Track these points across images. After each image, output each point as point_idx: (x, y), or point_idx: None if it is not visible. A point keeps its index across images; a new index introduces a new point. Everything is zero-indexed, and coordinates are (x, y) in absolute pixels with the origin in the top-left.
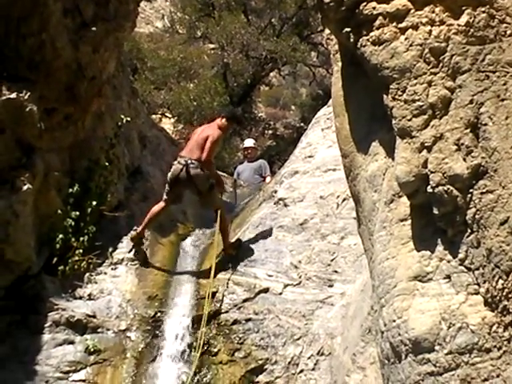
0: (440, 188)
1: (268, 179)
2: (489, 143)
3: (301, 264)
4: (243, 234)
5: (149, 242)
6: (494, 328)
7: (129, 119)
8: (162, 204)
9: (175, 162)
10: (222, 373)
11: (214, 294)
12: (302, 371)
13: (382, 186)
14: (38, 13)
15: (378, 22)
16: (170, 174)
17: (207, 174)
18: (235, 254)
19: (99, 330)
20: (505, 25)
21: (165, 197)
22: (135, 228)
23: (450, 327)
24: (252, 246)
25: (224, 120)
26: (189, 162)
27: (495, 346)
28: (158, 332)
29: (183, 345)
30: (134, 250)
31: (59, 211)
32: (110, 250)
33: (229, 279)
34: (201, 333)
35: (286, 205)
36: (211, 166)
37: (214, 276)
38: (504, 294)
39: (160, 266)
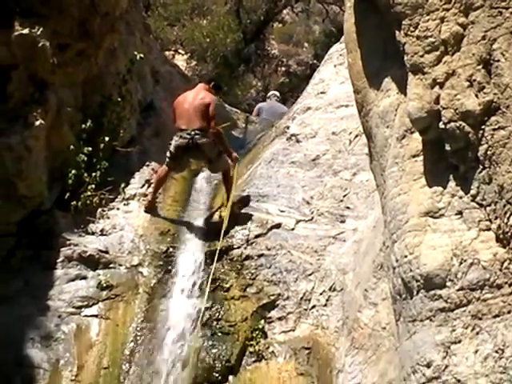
0: (452, 124)
1: None
2: (501, 79)
3: (313, 200)
4: (255, 170)
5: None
6: (506, 264)
7: (142, 55)
8: (165, 168)
9: (176, 138)
10: (234, 308)
11: (226, 230)
12: (313, 307)
13: (394, 122)
14: None
15: None
16: (172, 148)
17: (213, 140)
18: (241, 207)
19: (111, 265)
20: None
21: (167, 163)
22: (145, 197)
23: (461, 263)
24: (264, 182)
25: (211, 86)
26: (193, 133)
27: (506, 283)
28: (170, 267)
29: (195, 280)
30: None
31: (72, 147)
32: (123, 185)
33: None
34: (210, 269)
35: (298, 141)
36: (220, 134)
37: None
38: None
39: (172, 201)
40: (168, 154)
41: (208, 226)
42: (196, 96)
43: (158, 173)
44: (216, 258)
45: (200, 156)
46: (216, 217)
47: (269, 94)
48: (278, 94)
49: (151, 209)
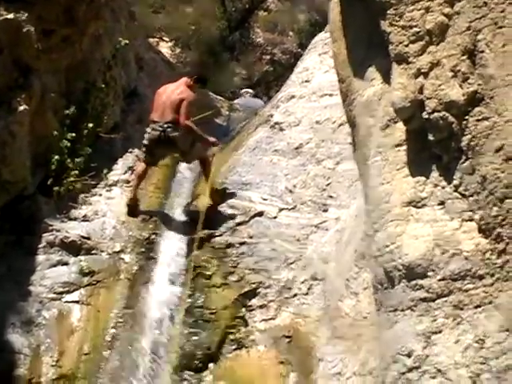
0: (436, 114)
1: None
2: (485, 70)
3: (296, 188)
4: (238, 157)
5: None
6: (488, 255)
7: (126, 42)
8: (143, 165)
9: (149, 130)
10: (216, 296)
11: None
12: (295, 295)
13: (377, 111)
14: None
15: None
16: (146, 141)
17: (186, 133)
18: (222, 197)
19: (93, 251)
20: None
21: (144, 157)
22: (129, 196)
23: (443, 253)
24: (247, 170)
25: (193, 81)
26: (165, 126)
27: (488, 273)
28: (151, 254)
29: (177, 267)
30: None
31: (55, 132)
32: (105, 171)
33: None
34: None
35: (281, 129)
36: (192, 129)
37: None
38: (498, 221)
39: (155, 188)
40: (143, 147)
41: (190, 213)
42: (175, 90)
43: (136, 169)
44: (196, 245)
45: (173, 148)
46: (198, 204)
47: (242, 92)
48: (250, 90)
49: (134, 205)
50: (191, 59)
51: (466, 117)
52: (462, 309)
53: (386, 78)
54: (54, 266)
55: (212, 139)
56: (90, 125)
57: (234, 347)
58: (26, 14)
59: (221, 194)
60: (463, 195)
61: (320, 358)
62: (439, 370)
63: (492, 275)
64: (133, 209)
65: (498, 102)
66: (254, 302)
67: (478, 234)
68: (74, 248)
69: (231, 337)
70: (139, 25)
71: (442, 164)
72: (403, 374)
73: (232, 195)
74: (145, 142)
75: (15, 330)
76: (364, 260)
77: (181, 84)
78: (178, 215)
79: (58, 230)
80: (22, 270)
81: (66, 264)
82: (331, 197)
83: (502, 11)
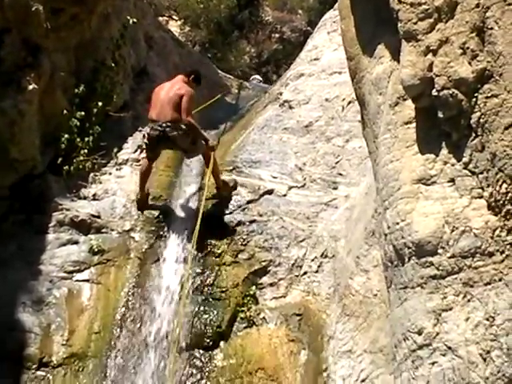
0: (445, 91)
1: None
2: (494, 47)
3: (305, 166)
4: (248, 136)
5: None
6: (497, 232)
7: (135, 20)
8: (146, 162)
9: (148, 129)
10: (226, 274)
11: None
12: (305, 273)
13: (387, 89)
14: None
15: None
16: (145, 140)
17: (186, 131)
18: (230, 191)
19: (103, 230)
20: None
21: (147, 155)
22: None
23: (453, 230)
24: (257, 148)
25: (190, 78)
26: (164, 125)
27: (498, 250)
28: (161, 233)
29: (186, 246)
30: (140, 208)
31: (65, 111)
32: (115, 150)
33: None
34: (195, 232)
35: (291, 107)
36: (194, 127)
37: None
38: (507, 198)
39: (165, 166)
40: (144, 145)
41: (199, 191)
42: (172, 87)
43: (140, 167)
44: (199, 222)
45: (173, 146)
46: (208, 183)
47: (251, 78)
48: (259, 77)
49: (143, 204)
50: (200, 38)
51: (476, 94)
52: (472, 286)
53: (395, 56)
54: (64, 244)
55: (211, 142)
56: (100, 103)
57: (244, 325)
58: None
59: (230, 188)
60: (473, 172)
61: (330, 336)
62: (449, 348)
63: (502, 252)
64: (142, 204)
65: (507, 79)
66: (265, 279)
67: (487, 211)
68: (84, 227)
69: (241, 315)
70: (148, 3)
71: (451, 141)
72: (414, 351)
73: (242, 173)
74: (145, 141)
75: (26, 309)
76: (374, 237)
77: (178, 81)
78: (189, 194)
79: (68, 209)
80: (33, 249)
81: (76, 243)
82: (341, 174)
83: None
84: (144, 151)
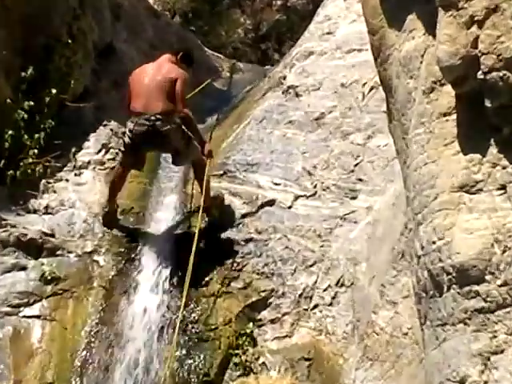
0: (494, 74)
1: None
2: None
3: (316, 170)
4: (243, 131)
5: None
6: None
7: None
8: (119, 170)
9: (131, 125)
10: (215, 308)
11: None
12: (316, 306)
13: (419, 71)
14: None
15: None
16: (127, 138)
17: (180, 126)
18: (220, 208)
19: (58, 252)
20: None
21: (121, 160)
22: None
23: (505, 251)
24: (254, 147)
25: (177, 58)
26: (153, 119)
27: None
28: (133, 255)
29: (166, 272)
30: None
31: (8, 100)
32: (73, 150)
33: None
34: (192, 256)
35: (297, 94)
36: (191, 120)
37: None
38: None
39: (138, 173)
40: (121, 147)
41: (180, 202)
42: (159, 70)
43: (112, 173)
44: (195, 244)
45: (164, 147)
46: (193, 191)
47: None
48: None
49: (110, 221)
50: (181, 6)
51: None
52: None
53: (430, 29)
54: (9, 271)
55: (208, 146)
56: (53, 91)
57: (238, 373)
58: None
59: (218, 206)
60: None
61: None
62: None
63: None
64: (110, 220)
65: None
66: (265, 314)
67: None
68: (33, 248)
69: (235, 360)
70: None
71: (502, 137)
72: None
73: (236, 179)
74: (126, 139)
75: None
76: (404, 261)
77: (164, 61)
78: (166, 205)
79: (14, 226)
80: None
81: (23, 269)
82: (361, 180)
83: None
84: (121, 154)
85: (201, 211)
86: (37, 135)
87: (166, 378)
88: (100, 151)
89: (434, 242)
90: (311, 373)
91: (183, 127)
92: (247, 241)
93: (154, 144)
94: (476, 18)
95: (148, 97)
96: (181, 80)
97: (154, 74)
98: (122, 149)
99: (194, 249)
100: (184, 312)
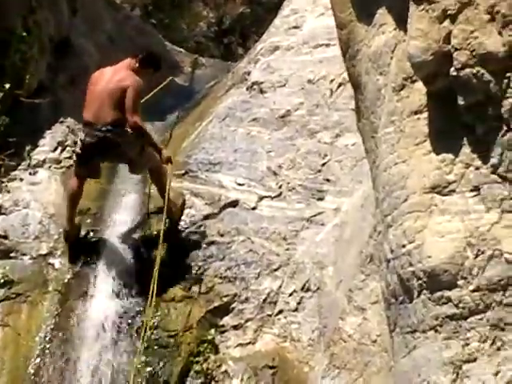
0: (467, 70)
1: None
2: None
3: (281, 169)
4: (205, 129)
5: None
6: None
7: None
8: (75, 183)
9: (82, 135)
10: (175, 313)
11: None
12: (280, 312)
13: (389, 67)
14: None
15: None
16: (78, 149)
17: (133, 135)
18: (181, 211)
19: (12, 254)
20: None
21: (75, 170)
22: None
23: (477, 255)
24: (217, 145)
25: (138, 63)
26: (104, 129)
27: None
28: (90, 258)
29: (123, 275)
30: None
31: None
32: (28, 148)
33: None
34: (157, 259)
35: (262, 91)
36: (142, 131)
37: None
38: None
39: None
40: (75, 157)
41: (141, 203)
42: (113, 76)
43: (68, 187)
44: (160, 245)
45: (117, 158)
46: (152, 191)
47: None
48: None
49: (73, 239)
50: None
51: (508, 74)
52: (503, 329)
53: (401, 23)
54: None
55: (166, 152)
56: (7, 86)
57: (200, 381)
58: None
59: (180, 208)
60: (504, 178)
61: None
62: None
63: None
64: (72, 239)
65: None
66: (227, 320)
67: None
68: None
69: (196, 367)
70: None
71: (475, 136)
72: None
73: (198, 179)
74: (77, 150)
75: None
76: (373, 265)
77: (122, 67)
78: (125, 206)
79: None
80: None
81: None
82: (328, 180)
83: None
84: (74, 165)
85: (164, 217)
86: None
87: None
88: (56, 149)
89: (403, 246)
90: (275, 381)
91: (134, 136)
92: (209, 243)
93: (106, 155)
94: (449, 12)
95: (99, 105)
96: (132, 88)
97: (107, 82)
98: (75, 159)
99: (159, 252)
100: (143, 318)
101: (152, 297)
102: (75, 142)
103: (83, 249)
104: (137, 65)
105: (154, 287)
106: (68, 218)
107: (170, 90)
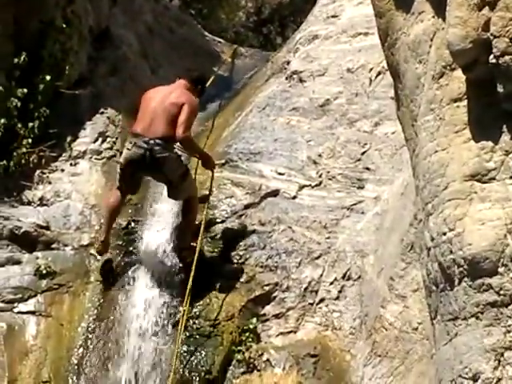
0: (506, 58)
1: None
2: None
3: (321, 158)
4: (245, 119)
5: None
6: None
7: None
8: (117, 194)
9: (129, 146)
10: (217, 303)
11: (206, 197)
12: (322, 300)
13: (428, 56)
14: None
15: None
16: (122, 160)
17: (179, 157)
18: (191, 260)
19: (54, 245)
20: None
21: (118, 184)
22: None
23: None
24: (257, 135)
25: (191, 83)
26: (152, 142)
27: None
28: (131, 248)
29: (166, 264)
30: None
31: (0, 88)
32: (69, 139)
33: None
34: (197, 247)
35: (301, 80)
36: (192, 144)
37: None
38: None
39: None
40: (118, 170)
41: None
42: (169, 94)
43: (107, 200)
44: (200, 236)
45: (159, 175)
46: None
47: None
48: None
49: (104, 251)
50: None
51: None
52: None
53: (439, 11)
54: (2, 265)
55: (213, 160)
56: (47, 77)
57: (242, 370)
58: None
59: (192, 254)
60: None
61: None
62: None
63: None
64: (105, 248)
65: None
66: (268, 309)
67: None
68: (28, 241)
69: (238, 356)
70: None
71: None
72: None
73: (238, 168)
74: (121, 161)
75: None
76: (413, 253)
77: (177, 87)
78: (166, 197)
79: (7, 218)
80: None
81: (17, 263)
82: (368, 169)
83: None
84: (117, 179)
85: (206, 207)
86: (31, 124)
87: (170, 375)
88: (97, 140)
89: (444, 233)
90: (317, 370)
91: (181, 158)
92: (250, 233)
93: (149, 170)
94: (487, 0)
95: (151, 120)
96: (189, 105)
97: (162, 99)
98: (118, 171)
99: (199, 242)
100: (185, 307)
101: (190, 286)
102: (120, 152)
103: (113, 274)
104: (192, 86)
105: (191, 276)
106: (105, 230)
107: (211, 80)
